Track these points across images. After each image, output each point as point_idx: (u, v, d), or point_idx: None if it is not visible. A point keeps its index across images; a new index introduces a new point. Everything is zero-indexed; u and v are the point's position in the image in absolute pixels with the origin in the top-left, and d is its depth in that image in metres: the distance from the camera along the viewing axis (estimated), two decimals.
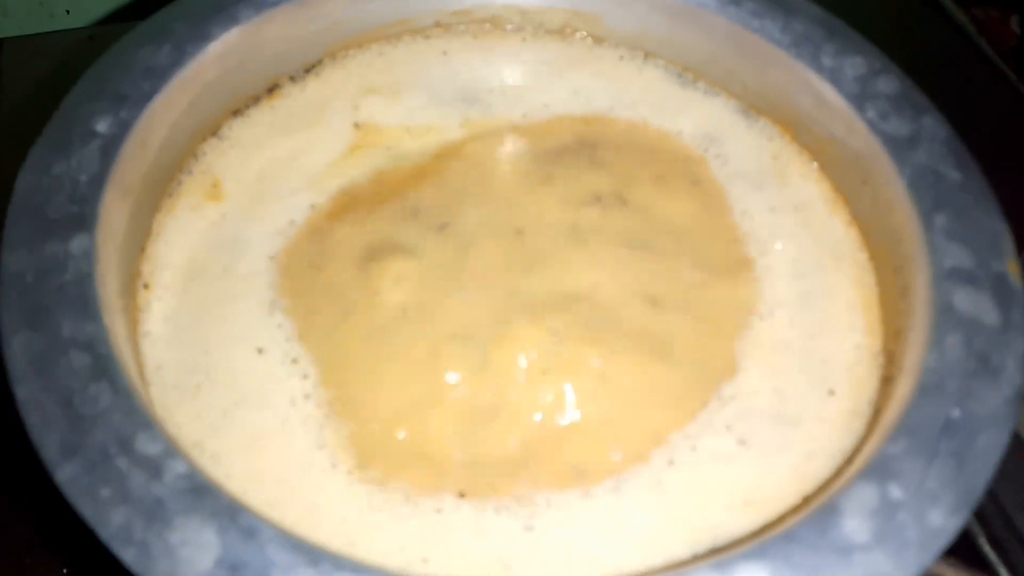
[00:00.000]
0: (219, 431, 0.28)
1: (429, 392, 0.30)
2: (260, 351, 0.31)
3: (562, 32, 0.40)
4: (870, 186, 0.34)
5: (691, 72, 0.39)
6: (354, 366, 0.30)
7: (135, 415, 0.24)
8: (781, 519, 0.27)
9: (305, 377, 0.30)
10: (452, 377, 0.30)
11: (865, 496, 0.24)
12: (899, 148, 0.33)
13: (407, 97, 0.38)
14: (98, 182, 0.29)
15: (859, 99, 0.34)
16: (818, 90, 0.35)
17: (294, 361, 0.30)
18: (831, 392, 0.31)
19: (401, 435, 0.29)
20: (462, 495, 0.28)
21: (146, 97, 0.32)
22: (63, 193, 0.28)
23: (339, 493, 0.28)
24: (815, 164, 0.37)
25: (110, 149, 0.30)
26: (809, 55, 0.36)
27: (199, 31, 0.34)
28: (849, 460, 0.28)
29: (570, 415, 0.30)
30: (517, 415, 0.30)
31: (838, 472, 0.28)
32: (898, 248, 0.32)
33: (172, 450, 0.24)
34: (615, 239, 0.34)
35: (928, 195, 0.31)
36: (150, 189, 0.32)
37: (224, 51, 0.34)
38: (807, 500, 0.27)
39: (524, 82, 0.39)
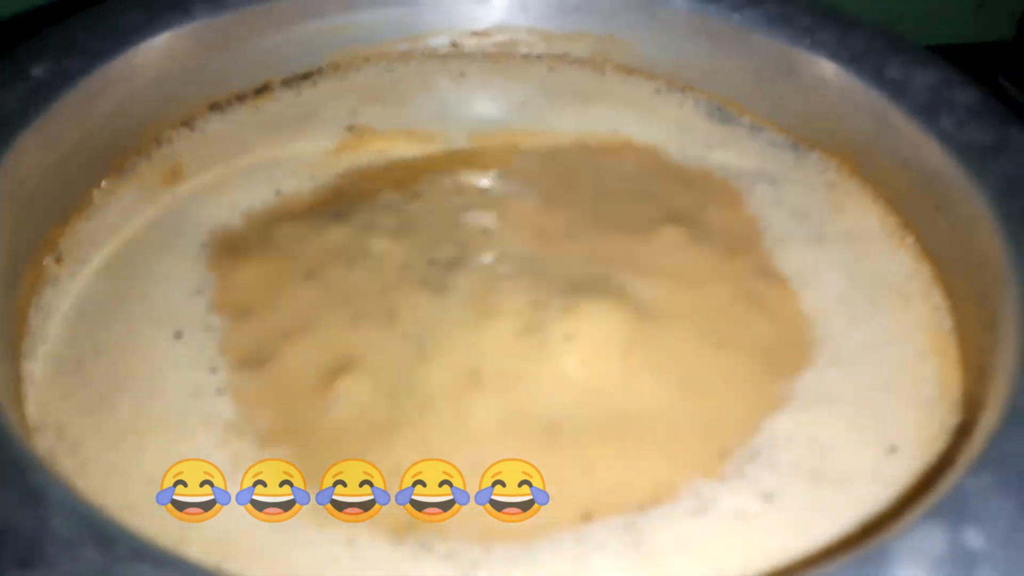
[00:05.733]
0: (90, 415, 0.23)
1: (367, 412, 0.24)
2: (178, 335, 0.25)
3: (592, 61, 0.36)
4: (945, 210, 0.27)
5: (734, 106, 0.34)
6: (286, 369, 0.25)
7: None
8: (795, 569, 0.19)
9: (213, 371, 0.24)
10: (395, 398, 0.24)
11: (929, 540, 0.17)
12: (979, 158, 0.26)
13: (414, 108, 0.34)
14: (13, 122, 0.25)
15: (931, 110, 0.28)
16: (882, 106, 0.29)
17: (213, 355, 0.25)
18: (892, 449, 0.23)
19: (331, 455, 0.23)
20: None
21: (99, 54, 0.28)
22: None
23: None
24: (879, 200, 0.30)
25: (40, 94, 0.26)
26: (871, 69, 0.30)
27: (178, 3, 0.31)
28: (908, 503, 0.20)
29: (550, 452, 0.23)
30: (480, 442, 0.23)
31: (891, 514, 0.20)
32: (980, 274, 0.25)
33: None
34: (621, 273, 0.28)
35: (1016, 205, 0.25)
36: (89, 157, 0.28)
37: (205, 32, 0.31)
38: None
39: (548, 107, 0.35)
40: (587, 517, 0.22)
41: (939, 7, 0.56)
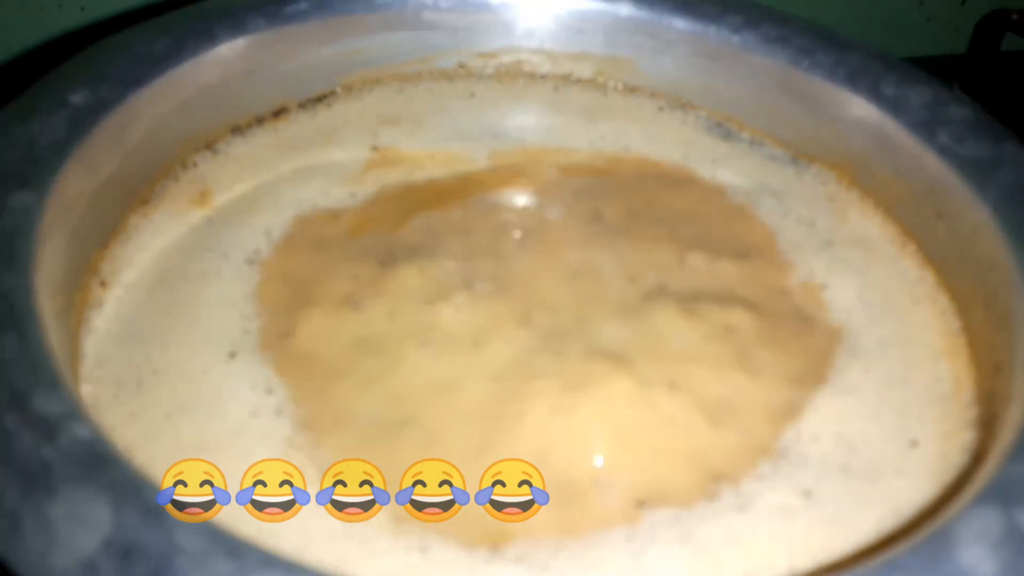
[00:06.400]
0: (157, 436, 0.23)
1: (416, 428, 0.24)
2: (232, 355, 0.26)
3: (595, 80, 0.37)
4: (946, 219, 0.29)
5: (734, 121, 0.36)
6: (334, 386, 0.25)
7: (41, 372, 0.19)
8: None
9: (270, 392, 0.25)
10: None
11: (986, 522, 0.18)
12: (980, 170, 0.28)
13: (431, 128, 0.35)
14: (59, 150, 0.26)
15: (928, 126, 0.30)
16: (880, 123, 0.31)
17: (268, 375, 0.25)
18: (914, 443, 0.25)
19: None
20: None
21: (132, 81, 0.29)
22: (16, 152, 0.25)
23: (300, 519, 0.22)
24: (879, 209, 0.32)
25: (81, 122, 0.27)
26: (868, 87, 0.32)
27: (203, 30, 0.31)
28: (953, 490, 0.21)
29: (590, 455, 0.24)
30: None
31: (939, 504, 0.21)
32: (987, 278, 0.27)
33: (78, 413, 0.18)
34: (647, 284, 0.29)
35: (1020, 213, 0.27)
36: (124, 182, 0.29)
37: (228, 57, 0.32)
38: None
39: (559, 125, 0.36)
40: (634, 517, 0.23)
41: (887, 22, 0.59)
